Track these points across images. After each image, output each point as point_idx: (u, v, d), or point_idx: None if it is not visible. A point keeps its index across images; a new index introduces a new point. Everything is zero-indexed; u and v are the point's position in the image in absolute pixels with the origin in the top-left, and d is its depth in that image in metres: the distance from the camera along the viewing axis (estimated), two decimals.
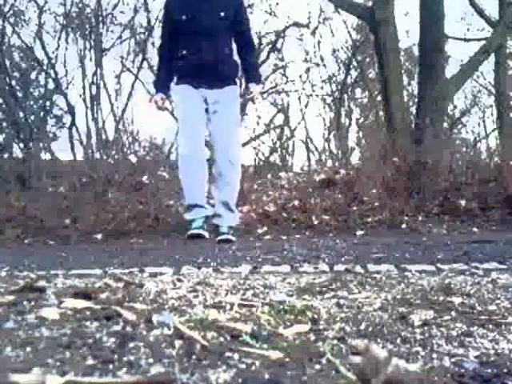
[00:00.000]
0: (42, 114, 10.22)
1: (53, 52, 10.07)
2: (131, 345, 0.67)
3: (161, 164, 5.85)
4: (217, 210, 3.46)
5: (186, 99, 3.50)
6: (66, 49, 10.34)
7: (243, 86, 3.83)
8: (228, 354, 0.64)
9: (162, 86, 3.58)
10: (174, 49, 3.46)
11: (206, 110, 3.48)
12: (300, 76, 12.50)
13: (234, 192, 3.52)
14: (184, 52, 3.42)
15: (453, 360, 0.64)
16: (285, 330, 0.76)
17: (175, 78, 3.58)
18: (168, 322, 0.77)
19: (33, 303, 0.95)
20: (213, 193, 3.58)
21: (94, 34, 10.29)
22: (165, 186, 4.97)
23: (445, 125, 8.06)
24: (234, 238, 3.26)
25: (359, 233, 3.66)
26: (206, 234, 3.30)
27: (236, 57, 3.56)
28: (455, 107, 14.33)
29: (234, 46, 3.56)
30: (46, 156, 7.95)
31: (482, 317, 0.86)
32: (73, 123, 10.06)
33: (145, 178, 5.03)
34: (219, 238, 3.24)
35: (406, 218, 4.00)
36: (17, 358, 0.61)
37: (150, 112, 3.59)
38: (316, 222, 3.96)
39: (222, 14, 3.38)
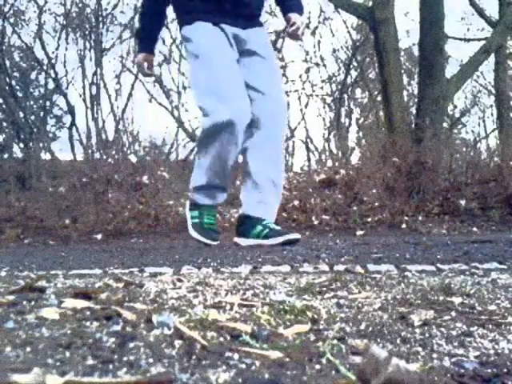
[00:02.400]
0: (41, 113, 10.22)
1: (53, 52, 10.08)
2: (131, 345, 0.67)
3: (161, 164, 5.85)
4: (261, 193, 2.57)
5: (209, 42, 2.52)
6: (66, 49, 10.35)
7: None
8: (228, 353, 0.64)
9: (147, 39, 2.73)
10: None
11: (241, 53, 2.62)
12: (300, 76, 12.50)
13: (280, 166, 2.63)
14: None
15: (453, 360, 0.64)
16: (285, 330, 0.76)
17: (185, 15, 2.58)
18: (168, 322, 0.77)
19: (33, 303, 0.95)
20: (250, 168, 2.59)
21: (94, 34, 10.30)
22: (165, 186, 4.98)
23: (445, 125, 8.06)
24: (296, 235, 2.56)
25: (359, 233, 3.67)
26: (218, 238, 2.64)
27: None
28: (455, 107, 14.34)
29: None
30: (46, 156, 7.96)
31: (482, 317, 0.86)
32: (73, 123, 10.07)
33: (145, 178, 5.03)
34: (281, 239, 2.47)
35: (406, 218, 4.00)
36: (17, 358, 0.61)
37: (142, 74, 2.83)
38: (316, 222, 3.96)
39: None
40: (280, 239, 2.48)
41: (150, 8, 2.68)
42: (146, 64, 2.71)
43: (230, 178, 2.72)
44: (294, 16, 2.65)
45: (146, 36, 2.73)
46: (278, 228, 2.61)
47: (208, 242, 2.63)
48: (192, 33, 2.54)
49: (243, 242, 2.57)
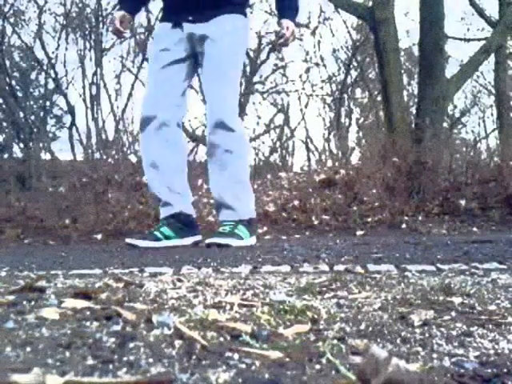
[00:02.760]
0: (41, 113, 10.23)
1: (53, 52, 10.08)
2: (131, 345, 0.67)
3: None
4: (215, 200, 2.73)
5: (156, 45, 2.69)
6: (66, 49, 10.35)
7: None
8: (228, 353, 0.64)
9: (126, 1, 2.78)
10: None
11: (195, 56, 2.67)
12: (300, 76, 12.51)
13: (237, 171, 2.63)
14: None
15: (453, 360, 0.64)
16: (285, 330, 0.76)
17: (161, 12, 2.76)
18: (168, 322, 0.77)
19: (33, 303, 0.95)
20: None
21: (94, 34, 10.30)
22: None
23: (445, 125, 8.07)
24: (230, 241, 2.52)
25: (359, 233, 3.67)
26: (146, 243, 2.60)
27: None
28: (455, 107, 14.35)
29: None
30: (46, 156, 7.96)
31: (482, 317, 0.86)
32: (73, 123, 10.07)
33: (145, 178, 5.03)
34: (208, 240, 2.55)
35: (406, 218, 4.00)
36: (17, 358, 0.61)
37: (112, 32, 2.88)
38: (316, 222, 3.96)
39: None
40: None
41: None
42: (118, 22, 2.73)
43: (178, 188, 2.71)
44: (285, 24, 2.66)
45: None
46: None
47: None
48: (155, 32, 2.75)
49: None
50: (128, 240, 2.66)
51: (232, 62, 2.63)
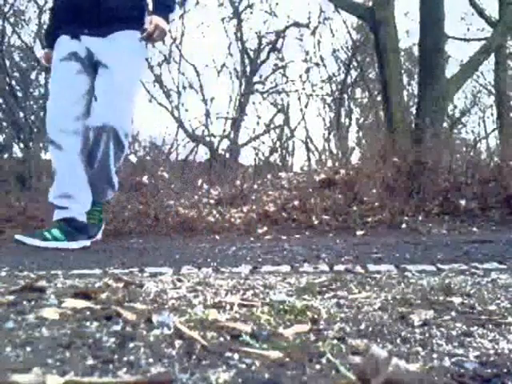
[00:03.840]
0: (41, 113, 10.22)
1: None
2: (131, 345, 0.67)
3: (161, 164, 5.85)
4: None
5: (54, 58, 2.72)
6: None
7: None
8: (228, 354, 0.64)
9: (47, 37, 2.90)
10: None
11: (95, 66, 2.69)
12: (300, 76, 12.48)
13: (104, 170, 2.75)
14: None
15: (453, 360, 0.64)
16: (285, 330, 0.76)
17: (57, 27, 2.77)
18: (168, 322, 0.77)
19: (33, 303, 0.95)
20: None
21: None
22: (165, 186, 4.98)
23: (445, 125, 8.06)
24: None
25: (359, 233, 3.66)
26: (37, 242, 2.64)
27: None
28: (455, 107, 14.33)
29: None
30: (46, 156, 7.95)
31: (482, 317, 0.86)
32: None
33: (145, 178, 5.03)
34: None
35: (406, 218, 4.00)
36: (17, 358, 0.61)
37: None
38: (316, 222, 3.96)
39: None
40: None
41: (52, 12, 2.90)
42: (45, 60, 2.88)
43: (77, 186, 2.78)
44: (150, 19, 2.66)
45: (46, 37, 2.93)
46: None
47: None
48: (55, 46, 2.76)
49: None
50: (17, 236, 2.70)
51: (127, 79, 2.66)
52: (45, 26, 9.52)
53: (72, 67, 2.69)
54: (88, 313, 0.86)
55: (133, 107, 2.78)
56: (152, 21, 2.64)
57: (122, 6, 2.64)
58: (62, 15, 2.72)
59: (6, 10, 9.13)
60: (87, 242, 2.79)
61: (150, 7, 2.78)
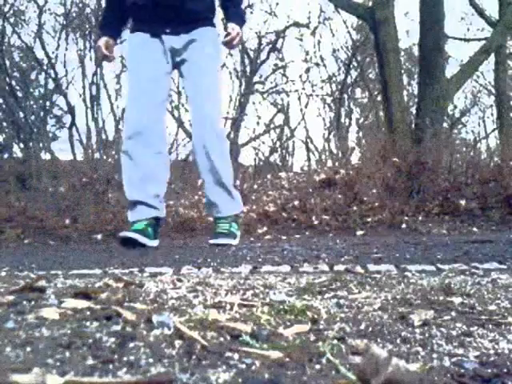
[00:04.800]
0: (41, 113, 10.22)
1: (53, 52, 10.07)
2: (131, 345, 0.67)
3: None
4: (209, 197, 2.77)
5: (138, 55, 2.72)
6: (66, 49, 10.34)
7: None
8: (228, 354, 0.64)
9: (107, 26, 2.83)
10: None
11: (176, 65, 2.74)
12: (300, 76, 12.49)
13: (227, 168, 2.74)
14: None
15: (453, 360, 0.64)
16: (285, 330, 0.76)
17: (131, 23, 2.80)
18: (168, 322, 0.77)
19: (33, 303, 0.95)
20: (202, 176, 2.80)
21: (94, 34, 10.29)
22: None
23: (445, 125, 8.06)
24: (233, 241, 2.69)
25: (359, 233, 3.67)
26: (146, 241, 2.60)
27: None
28: (455, 107, 14.33)
29: None
30: (46, 156, 7.96)
31: (482, 317, 0.86)
32: (73, 123, 10.06)
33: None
34: (212, 240, 2.66)
35: (406, 218, 4.00)
36: (17, 358, 0.61)
37: (100, 58, 2.98)
38: (316, 222, 3.96)
39: None
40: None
41: (112, 3, 2.84)
42: (104, 47, 2.76)
43: (157, 192, 2.75)
44: (231, 26, 2.72)
45: (107, 26, 2.85)
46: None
47: (129, 235, 2.64)
48: (130, 41, 2.79)
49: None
50: (127, 234, 2.60)
51: (214, 73, 2.74)
52: (44, 26, 9.50)
53: (158, 68, 2.70)
54: (88, 313, 0.86)
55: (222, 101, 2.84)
56: (234, 28, 2.71)
57: (202, 6, 2.70)
58: (139, 13, 2.69)
59: (5, 9, 9.12)
60: (157, 242, 2.78)
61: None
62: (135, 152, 2.65)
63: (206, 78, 2.68)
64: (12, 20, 9.66)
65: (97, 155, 6.91)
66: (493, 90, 12.94)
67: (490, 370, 0.60)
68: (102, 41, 2.77)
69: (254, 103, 11.36)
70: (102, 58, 2.87)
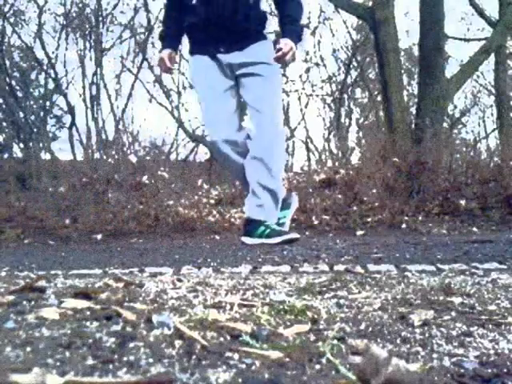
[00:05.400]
0: (41, 113, 10.23)
1: (53, 52, 10.08)
2: (131, 345, 0.67)
3: (161, 164, 5.85)
4: (259, 199, 2.83)
5: (201, 78, 2.86)
6: (66, 49, 10.35)
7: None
8: (228, 354, 0.64)
9: (169, 39, 2.91)
10: None
11: (236, 79, 2.84)
12: (300, 76, 12.50)
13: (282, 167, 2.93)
14: (194, 2, 2.71)
15: (453, 360, 0.64)
16: (285, 330, 0.76)
17: (189, 44, 2.94)
18: (168, 322, 0.77)
19: (33, 303, 0.95)
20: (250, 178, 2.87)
21: (94, 34, 10.30)
22: (165, 186, 4.98)
23: (445, 125, 8.06)
24: (295, 234, 2.75)
25: (359, 233, 3.67)
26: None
27: (265, 8, 2.93)
28: (455, 107, 14.34)
29: None
30: (46, 156, 7.96)
31: (482, 317, 0.86)
32: (73, 123, 10.07)
33: (145, 178, 5.03)
34: (280, 238, 2.67)
35: (406, 218, 4.00)
36: (17, 358, 0.61)
37: (161, 70, 3.03)
38: (316, 222, 3.96)
39: None
40: (279, 239, 2.68)
41: (169, 12, 2.97)
42: (168, 60, 2.84)
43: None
44: (284, 41, 2.72)
45: (169, 38, 2.93)
46: (278, 228, 2.82)
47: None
48: (191, 64, 2.93)
49: (249, 240, 2.78)
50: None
51: (273, 88, 2.84)
52: (44, 26, 9.50)
53: (221, 85, 2.82)
54: (88, 313, 0.86)
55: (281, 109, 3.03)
56: (287, 43, 2.71)
57: (251, 26, 2.78)
58: (196, 33, 2.81)
59: (5, 9, 9.12)
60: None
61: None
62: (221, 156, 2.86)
63: (265, 90, 2.78)
64: (12, 20, 9.66)
65: (97, 155, 6.90)
66: (493, 90, 12.94)
67: (489, 370, 0.60)
68: (165, 53, 2.84)
69: None
70: (165, 71, 2.93)
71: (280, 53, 2.69)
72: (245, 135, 2.83)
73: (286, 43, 2.70)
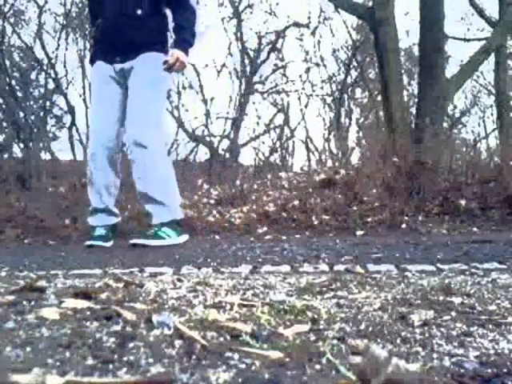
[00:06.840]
0: (41, 113, 10.22)
1: (53, 52, 10.06)
2: (131, 345, 0.67)
3: None
4: (145, 207, 3.05)
5: (95, 82, 3.09)
6: (66, 49, 10.33)
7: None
8: (228, 354, 0.64)
9: (91, 60, 3.13)
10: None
11: (126, 88, 3.00)
12: (300, 76, 12.48)
13: (154, 181, 2.95)
14: (98, 16, 2.98)
15: (453, 360, 0.64)
16: (285, 330, 0.76)
17: (92, 54, 3.13)
18: (168, 322, 0.77)
19: (33, 303, 0.95)
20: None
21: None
22: None
23: (445, 125, 8.06)
24: (155, 242, 2.79)
25: (359, 233, 3.66)
26: (107, 245, 2.92)
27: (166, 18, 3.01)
28: (455, 107, 14.33)
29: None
30: (46, 156, 7.96)
31: (482, 317, 0.86)
32: (73, 123, 10.06)
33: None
34: (131, 240, 2.83)
35: (406, 218, 4.00)
36: (17, 358, 0.61)
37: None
38: (316, 222, 3.96)
39: None
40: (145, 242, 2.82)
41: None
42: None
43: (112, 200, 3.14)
44: (171, 52, 2.92)
45: (91, 60, 3.14)
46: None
47: (93, 243, 2.92)
48: (92, 71, 3.13)
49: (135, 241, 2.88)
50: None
51: (153, 93, 2.94)
52: (44, 26, 9.50)
53: (112, 89, 2.99)
54: (88, 313, 0.86)
55: (162, 116, 3.10)
56: (173, 54, 2.89)
57: (146, 35, 2.92)
58: (98, 43, 3.05)
59: (5, 9, 9.12)
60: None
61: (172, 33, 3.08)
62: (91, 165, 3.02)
63: (139, 100, 2.89)
64: (12, 20, 9.65)
65: None
66: (493, 90, 12.93)
67: (490, 370, 0.60)
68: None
69: (254, 103, 11.35)
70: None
71: (166, 65, 2.90)
72: (120, 142, 3.08)
73: (171, 54, 2.90)
